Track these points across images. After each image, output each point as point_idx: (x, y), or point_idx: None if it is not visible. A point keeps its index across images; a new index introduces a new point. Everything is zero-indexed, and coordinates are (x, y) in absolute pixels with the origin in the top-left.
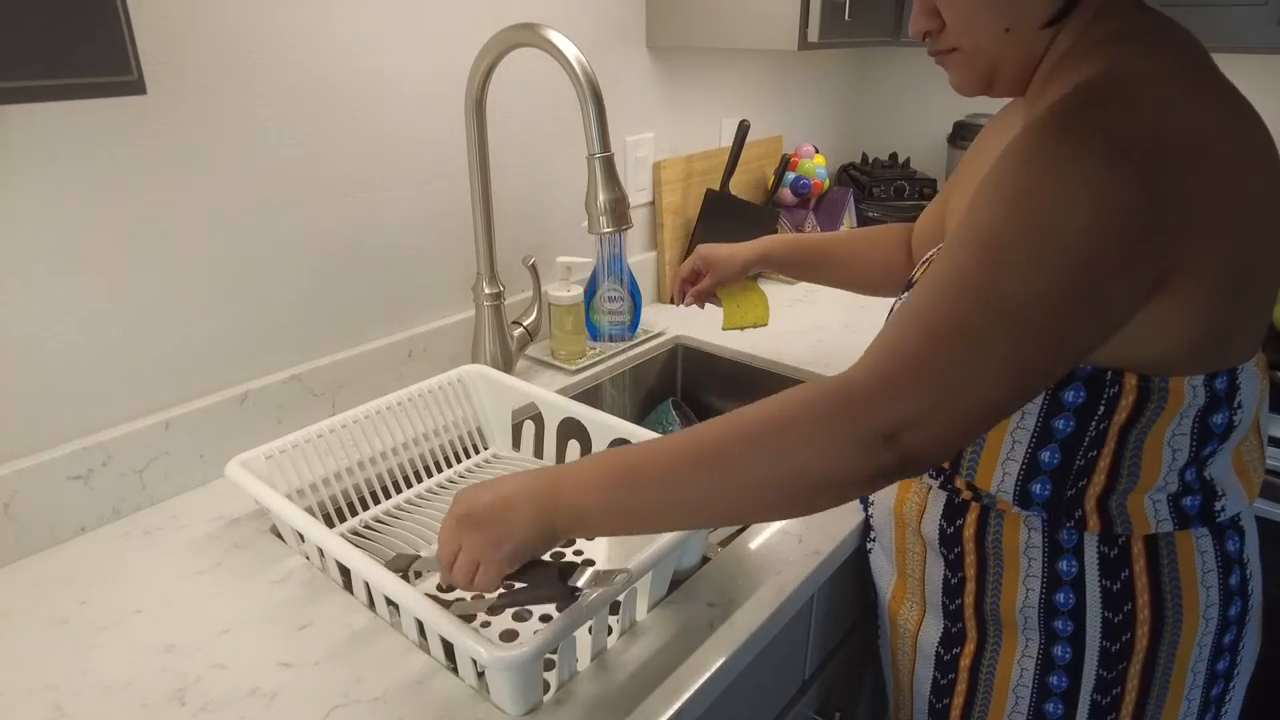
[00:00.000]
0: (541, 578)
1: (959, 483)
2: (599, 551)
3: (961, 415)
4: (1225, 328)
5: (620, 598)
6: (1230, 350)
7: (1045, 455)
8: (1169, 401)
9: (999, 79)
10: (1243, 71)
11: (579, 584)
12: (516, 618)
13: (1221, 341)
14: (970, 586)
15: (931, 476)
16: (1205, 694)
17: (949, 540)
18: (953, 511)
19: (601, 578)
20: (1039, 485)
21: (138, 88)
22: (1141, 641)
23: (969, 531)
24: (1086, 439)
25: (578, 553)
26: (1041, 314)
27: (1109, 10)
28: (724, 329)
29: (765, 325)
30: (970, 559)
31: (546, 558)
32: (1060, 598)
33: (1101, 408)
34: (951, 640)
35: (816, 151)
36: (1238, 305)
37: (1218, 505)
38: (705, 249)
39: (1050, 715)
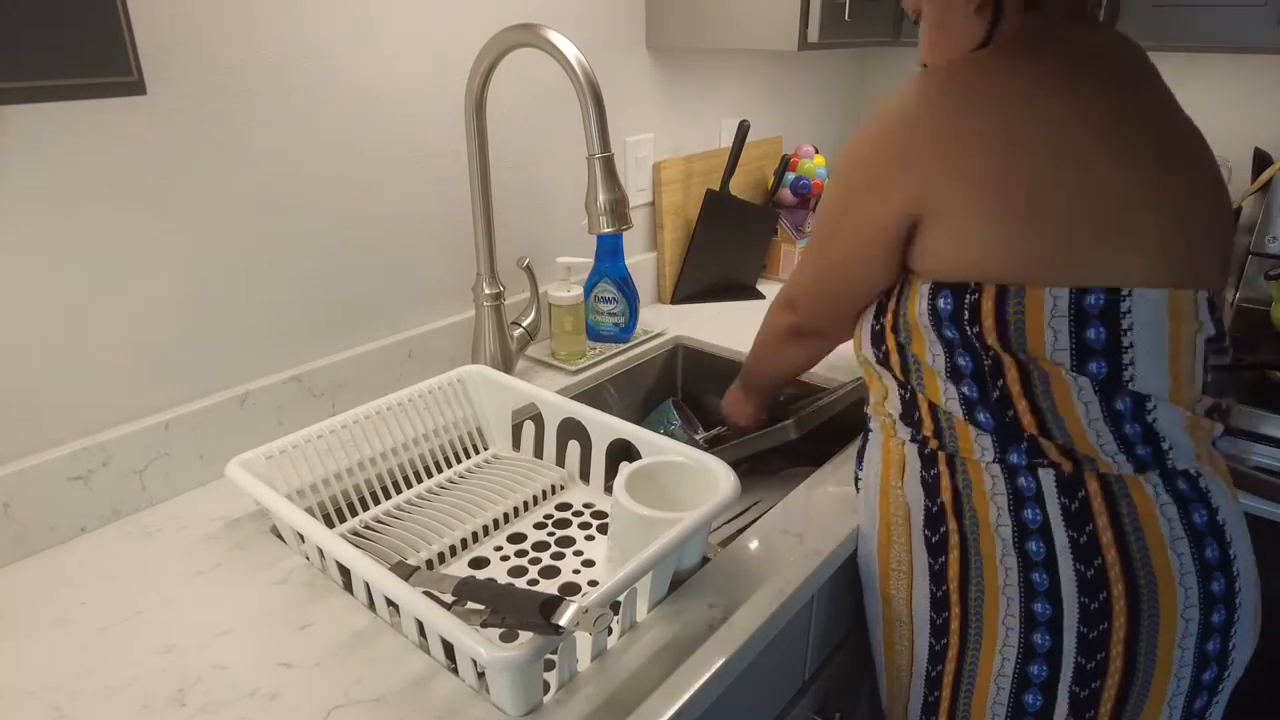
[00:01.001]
0: (524, 613)
1: (920, 407)
2: (599, 552)
3: (806, 290)
4: (1062, 242)
5: (621, 598)
6: (1096, 269)
7: (961, 361)
8: (1028, 307)
9: None
10: (1243, 71)
11: (561, 622)
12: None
13: (1069, 256)
14: (953, 540)
15: (903, 426)
16: (1196, 675)
17: (930, 491)
18: (927, 462)
19: (584, 619)
20: (982, 414)
21: (138, 88)
22: (1120, 602)
23: (944, 481)
24: (976, 343)
25: (577, 553)
26: (824, 239)
27: (1019, 33)
28: None
29: None
30: (950, 509)
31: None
32: (1032, 546)
33: (967, 313)
34: (939, 604)
35: (816, 152)
36: (1049, 224)
37: (1166, 449)
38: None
39: (1035, 677)
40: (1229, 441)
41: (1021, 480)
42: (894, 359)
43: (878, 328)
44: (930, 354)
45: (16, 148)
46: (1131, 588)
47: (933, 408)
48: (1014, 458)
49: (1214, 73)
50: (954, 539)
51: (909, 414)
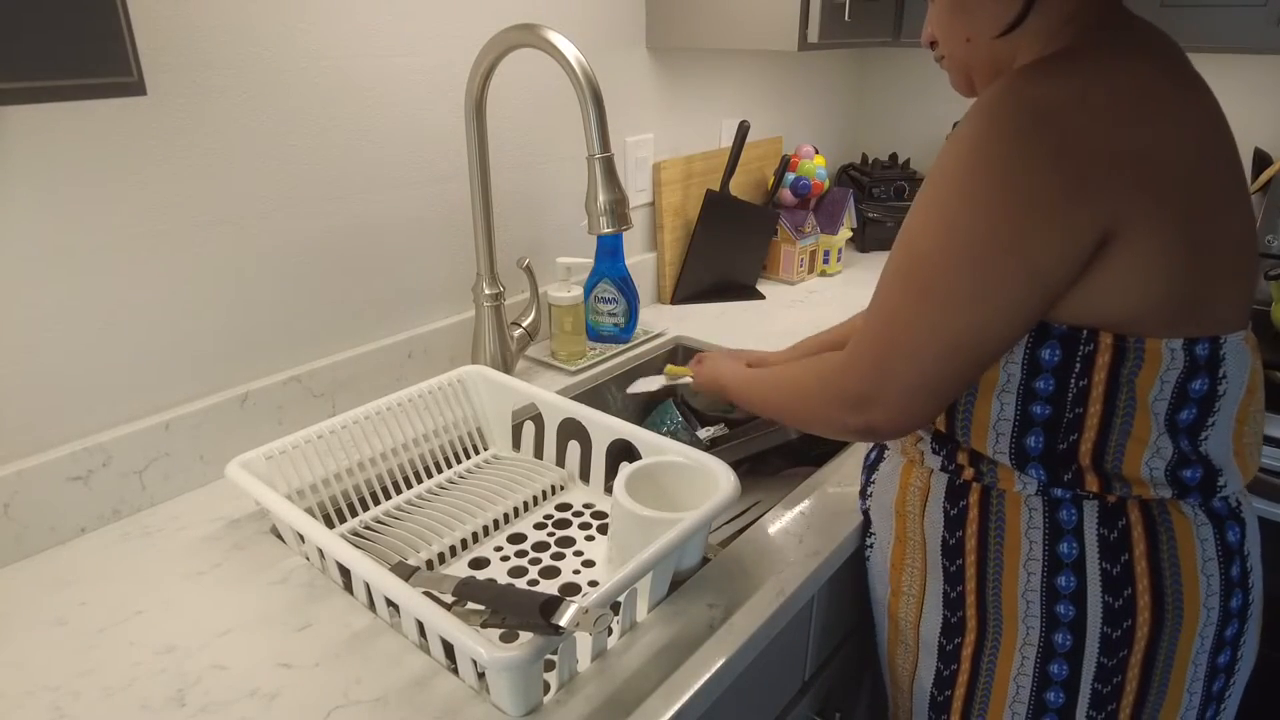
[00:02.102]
0: (524, 613)
1: (960, 459)
2: (599, 552)
3: (917, 383)
4: (1194, 289)
5: (621, 598)
6: (1208, 317)
7: (1036, 409)
8: (1145, 361)
9: (977, 83)
10: (1243, 71)
11: (562, 622)
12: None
13: (1194, 305)
14: (971, 572)
15: (933, 455)
16: (1207, 688)
17: (952, 524)
18: (955, 494)
19: (584, 619)
20: (1033, 438)
21: (138, 89)
22: (1143, 629)
23: (972, 513)
24: (1070, 395)
25: (577, 553)
26: (953, 278)
27: (1074, 18)
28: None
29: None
30: (972, 543)
31: (527, 586)
32: (1061, 581)
33: (1078, 365)
34: (952, 630)
35: (816, 152)
36: (1200, 266)
37: (1220, 481)
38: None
39: (1051, 704)
40: None
41: (1063, 513)
42: (942, 416)
43: None
44: (996, 407)
45: (17, 148)
46: (1157, 615)
47: (975, 455)
48: (1058, 491)
49: (1214, 73)
50: (971, 570)
51: (941, 450)
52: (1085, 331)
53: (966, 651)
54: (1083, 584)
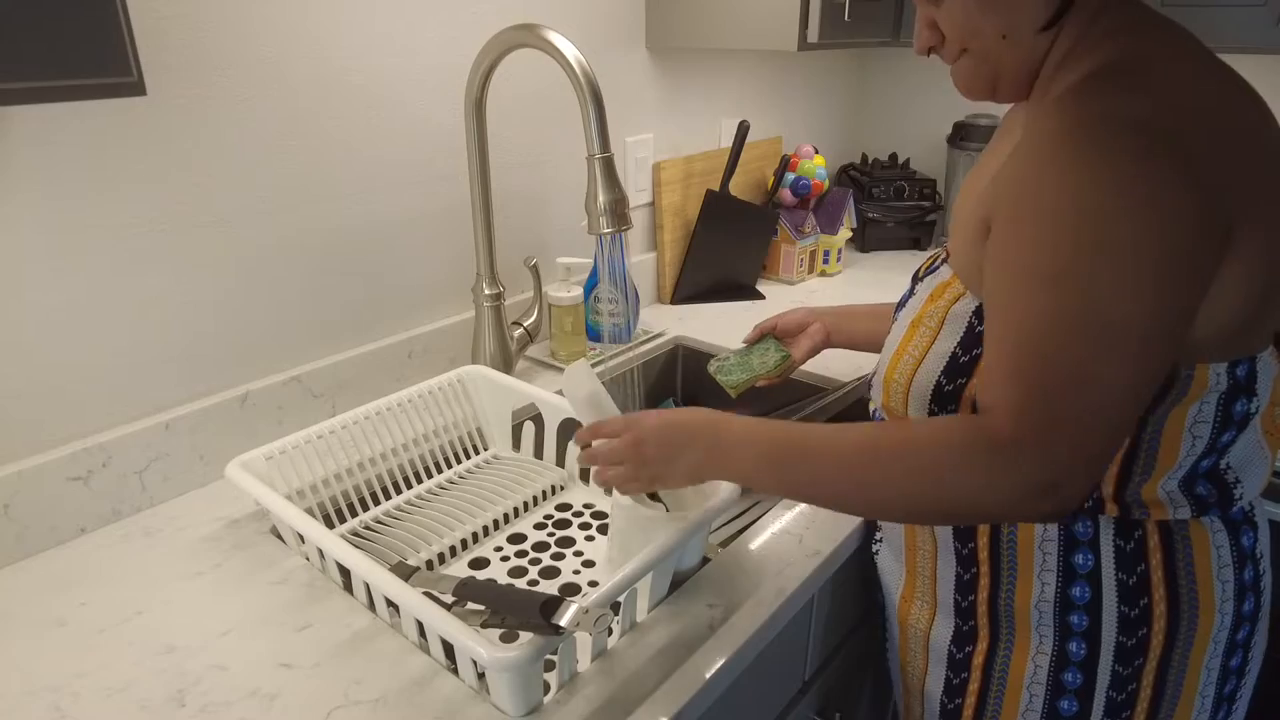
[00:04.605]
0: (524, 613)
1: None
2: (599, 552)
3: (1107, 450)
4: (1259, 307)
5: (621, 598)
6: (1256, 335)
7: None
8: (1192, 388)
9: (1002, 84)
10: (1243, 71)
11: (562, 622)
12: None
13: (1253, 323)
14: (984, 582)
15: None
16: (1219, 690)
17: (963, 535)
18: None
19: (584, 619)
20: None
21: (138, 89)
22: (1158, 637)
23: (983, 525)
24: None
25: (577, 553)
26: (1147, 327)
27: (1106, 9)
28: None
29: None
30: (984, 554)
31: (527, 586)
32: (1076, 592)
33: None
34: (964, 638)
35: (816, 152)
36: (1272, 281)
37: (1236, 492)
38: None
39: (1065, 712)
40: None
41: (1079, 526)
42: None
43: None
44: None
45: (18, 148)
46: (1172, 622)
47: None
48: (1079, 531)
49: None
50: (984, 580)
51: None
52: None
53: (978, 660)
54: (1098, 594)
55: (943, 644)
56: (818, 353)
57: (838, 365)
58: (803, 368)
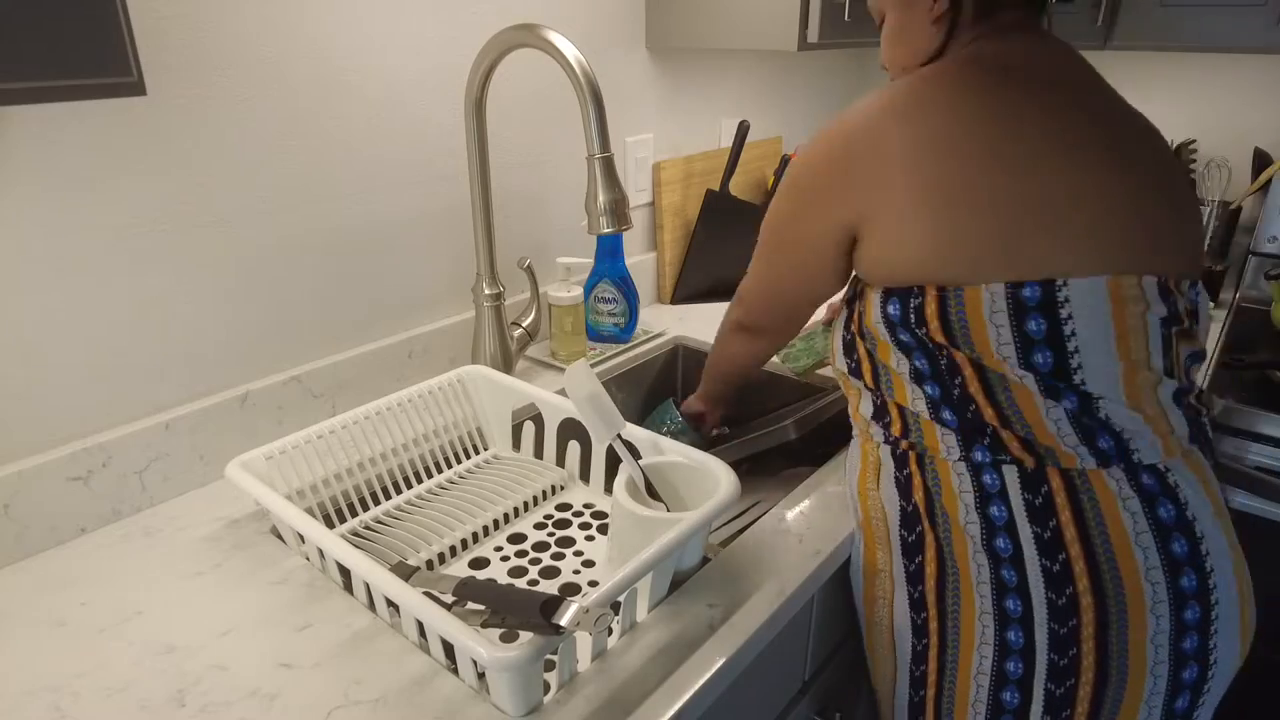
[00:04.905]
0: (524, 613)
1: (895, 428)
2: (599, 552)
3: (754, 296)
4: (983, 242)
5: (621, 598)
6: (1030, 264)
7: (919, 364)
8: (968, 304)
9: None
10: (1243, 71)
11: (562, 622)
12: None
13: (1000, 253)
14: (928, 540)
15: (877, 427)
16: (1174, 673)
17: (904, 491)
18: (899, 462)
19: (584, 619)
20: (928, 386)
21: (138, 89)
22: (1086, 598)
23: (915, 480)
24: (940, 365)
25: (577, 553)
26: (765, 244)
27: (973, 44)
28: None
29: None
30: (921, 509)
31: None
32: (1000, 543)
33: (913, 316)
34: (918, 605)
35: None
36: (972, 222)
37: (1132, 446)
38: None
39: (1011, 674)
40: (1233, 443)
41: (986, 477)
42: (865, 367)
43: (848, 337)
44: (894, 359)
45: (17, 148)
46: (1096, 583)
47: (901, 410)
48: (978, 455)
49: (1214, 73)
50: (929, 538)
51: (880, 417)
52: (915, 288)
53: (933, 625)
54: (1018, 548)
55: (905, 640)
56: None
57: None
58: None
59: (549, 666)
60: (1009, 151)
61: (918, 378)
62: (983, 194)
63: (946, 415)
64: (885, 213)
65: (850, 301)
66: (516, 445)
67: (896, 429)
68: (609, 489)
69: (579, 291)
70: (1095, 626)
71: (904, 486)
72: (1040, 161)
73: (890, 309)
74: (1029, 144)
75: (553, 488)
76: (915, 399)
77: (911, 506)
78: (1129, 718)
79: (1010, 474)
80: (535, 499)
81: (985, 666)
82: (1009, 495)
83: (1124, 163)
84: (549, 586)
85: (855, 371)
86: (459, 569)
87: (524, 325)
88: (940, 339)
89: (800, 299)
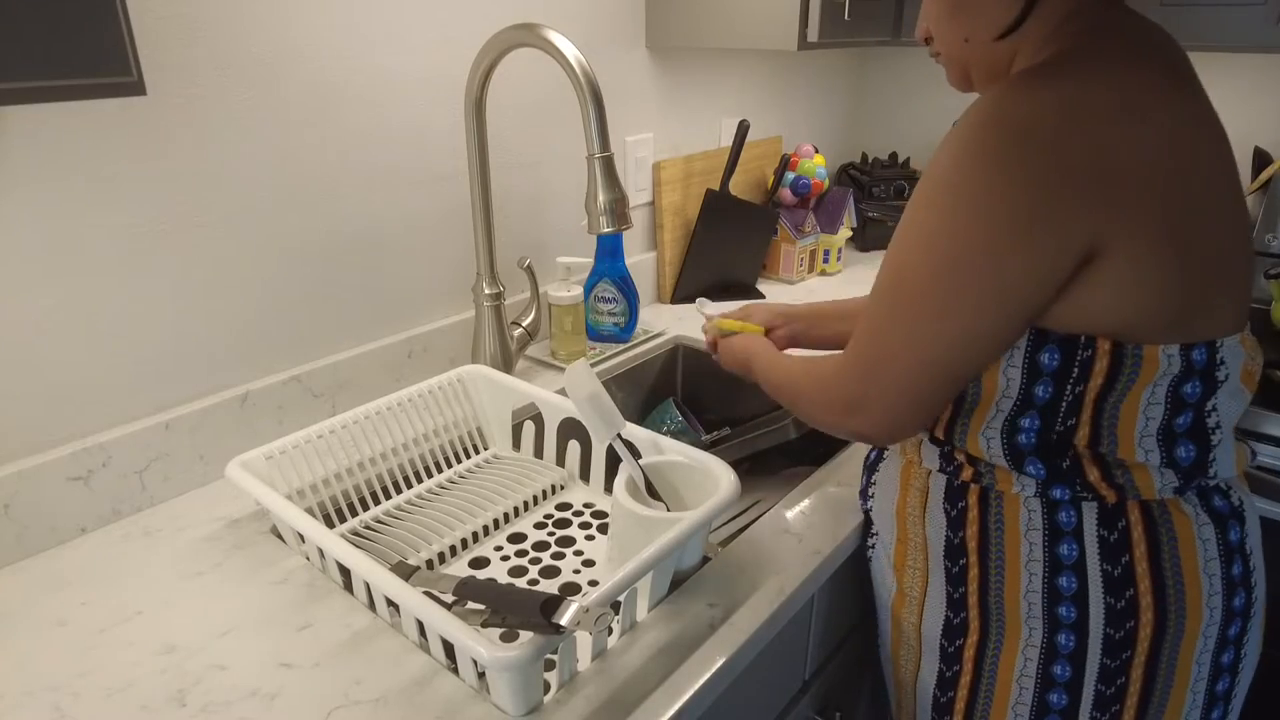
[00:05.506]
0: (525, 612)
1: (958, 457)
2: (599, 552)
3: (889, 396)
4: (1188, 296)
5: (621, 598)
6: (1205, 322)
7: (1025, 422)
8: (1143, 368)
9: (975, 81)
10: (1243, 70)
11: (562, 621)
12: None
13: (1190, 311)
14: (974, 573)
15: (931, 453)
16: (1210, 687)
17: (954, 524)
18: (954, 494)
19: (584, 618)
20: (1024, 436)
21: (137, 88)
22: (1145, 629)
23: (972, 514)
24: (1064, 405)
25: (577, 552)
26: (920, 308)
27: (1076, 15)
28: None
29: None
30: (973, 544)
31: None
32: (1063, 582)
33: (1075, 371)
34: (955, 632)
35: (816, 151)
36: (1193, 273)
37: (1210, 456)
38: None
39: (1054, 705)
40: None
41: (1062, 515)
42: (942, 416)
43: None
44: (992, 412)
45: (16, 148)
46: (1160, 615)
47: (972, 456)
48: (1057, 493)
49: (1214, 72)
50: (974, 570)
51: (939, 448)
52: (1083, 338)
53: (969, 653)
54: (1084, 585)
55: (934, 637)
56: None
57: None
58: None
59: (549, 666)
60: (1208, 174)
61: (1011, 430)
62: (1203, 228)
63: (1031, 468)
64: (1122, 240)
65: None
66: (516, 445)
67: (960, 456)
68: (609, 488)
69: (579, 291)
70: (1148, 655)
71: (955, 519)
72: (1218, 193)
73: (1045, 358)
74: (1214, 165)
75: (553, 487)
76: (993, 454)
77: (959, 539)
78: None
79: (1089, 511)
80: (535, 498)
81: (1026, 698)
82: (1084, 533)
83: (1236, 191)
84: (549, 586)
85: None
86: (459, 569)
87: (524, 325)
88: (1091, 397)
89: (964, 378)
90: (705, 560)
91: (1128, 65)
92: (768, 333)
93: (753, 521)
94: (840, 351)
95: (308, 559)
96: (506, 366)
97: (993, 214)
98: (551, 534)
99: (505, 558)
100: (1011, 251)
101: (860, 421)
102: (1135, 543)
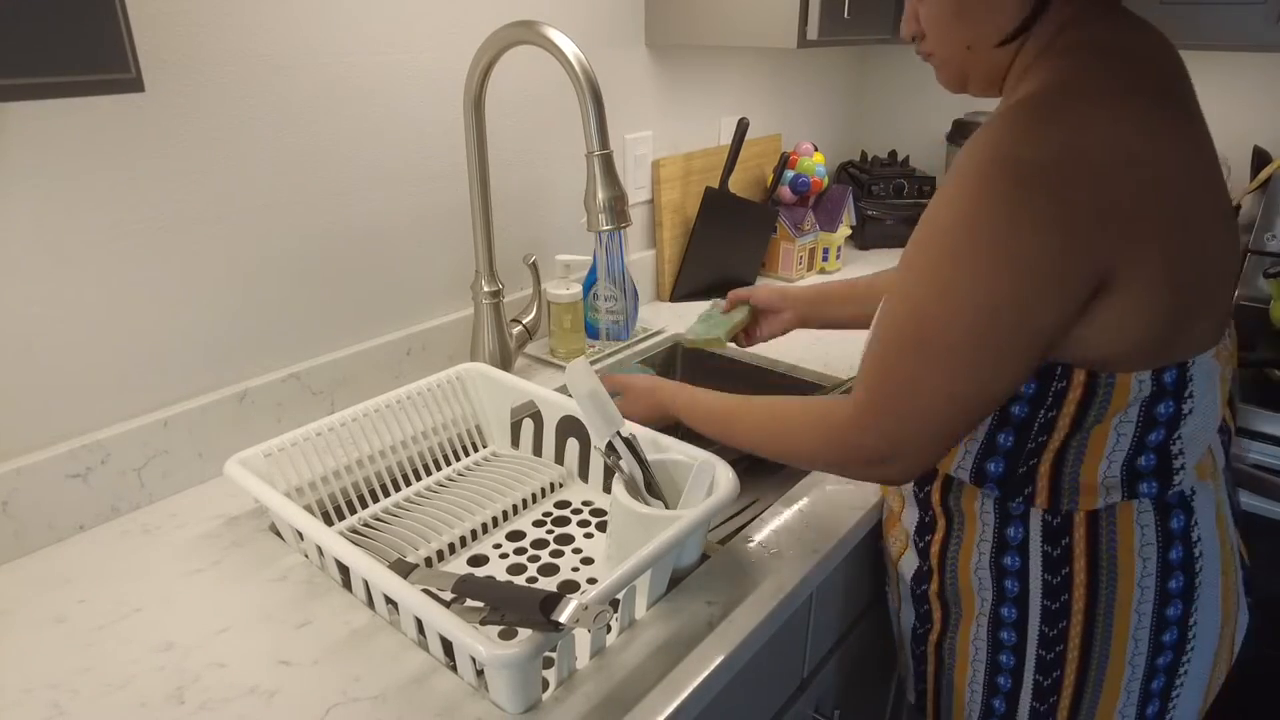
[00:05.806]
0: (524, 610)
1: (926, 482)
2: (598, 549)
3: (921, 443)
4: (1170, 324)
5: (620, 595)
6: (1178, 345)
7: (1001, 438)
8: (1114, 396)
9: (972, 84)
10: (1242, 70)
11: (561, 619)
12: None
13: (1168, 337)
14: (935, 547)
15: (991, 489)
16: (1150, 662)
17: (922, 503)
18: (923, 479)
19: (583, 616)
20: (994, 464)
21: (136, 85)
22: (1079, 602)
23: (935, 496)
24: (1037, 424)
25: (576, 550)
26: (967, 351)
27: (1074, 22)
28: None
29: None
30: (940, 521)
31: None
32: (1007, 560)
33: (1049, 399)
34: (924, 619)
35: (815, 149)
36: (1180, 301)
37: (1176, 464)
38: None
39: (1003, 666)
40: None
41: (1012, 505)
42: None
43: None
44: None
45: (15, 145)
46: (1091, 589)
47: (943, 476)
48: (1013, 507)
49: (1214, 71)
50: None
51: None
52: (1060, 368)
53: (932, 638)
54: (1025, 564)
55: (908, 629)
56: (779, 336)
57: (837, 363)
58: (801, 364)
59: (548, 664)
60: (1197, 203)
61: (988, 452)
62: (1203, 255)
63: (989, 487)
64: (1129, 272)
65: None
66: (515, 443)
67: (930, 484)
68: (608, 486)
69: (578, 289)
70: (1083, 624)
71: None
72: (1211, 214)
73: (1024, 387)
74: (1206, 193)
75: (551, 485)
76: (961, 469)
77: (927, 565)
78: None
79: (1035, 514)
80: (534, 496)
81: (980, 657)
82: (1030, 517)
83: (1225, 206)
84: (548, 584)
85: None
86: (458, 566)
87: (524, 322)
88: (1065, 423)
89: (990, 409)
90: (704, 558)
91: (1124, 97)
92: (773, 315)
93: (752, 519)
94: (838, 397)
95: (306, 556)
96: (505, 364)
97: (1015, 262)
98: (550, 532)
99: (504, 555)
100: (1039, 298)
101: (890, 471)
102: (1076, 525)
